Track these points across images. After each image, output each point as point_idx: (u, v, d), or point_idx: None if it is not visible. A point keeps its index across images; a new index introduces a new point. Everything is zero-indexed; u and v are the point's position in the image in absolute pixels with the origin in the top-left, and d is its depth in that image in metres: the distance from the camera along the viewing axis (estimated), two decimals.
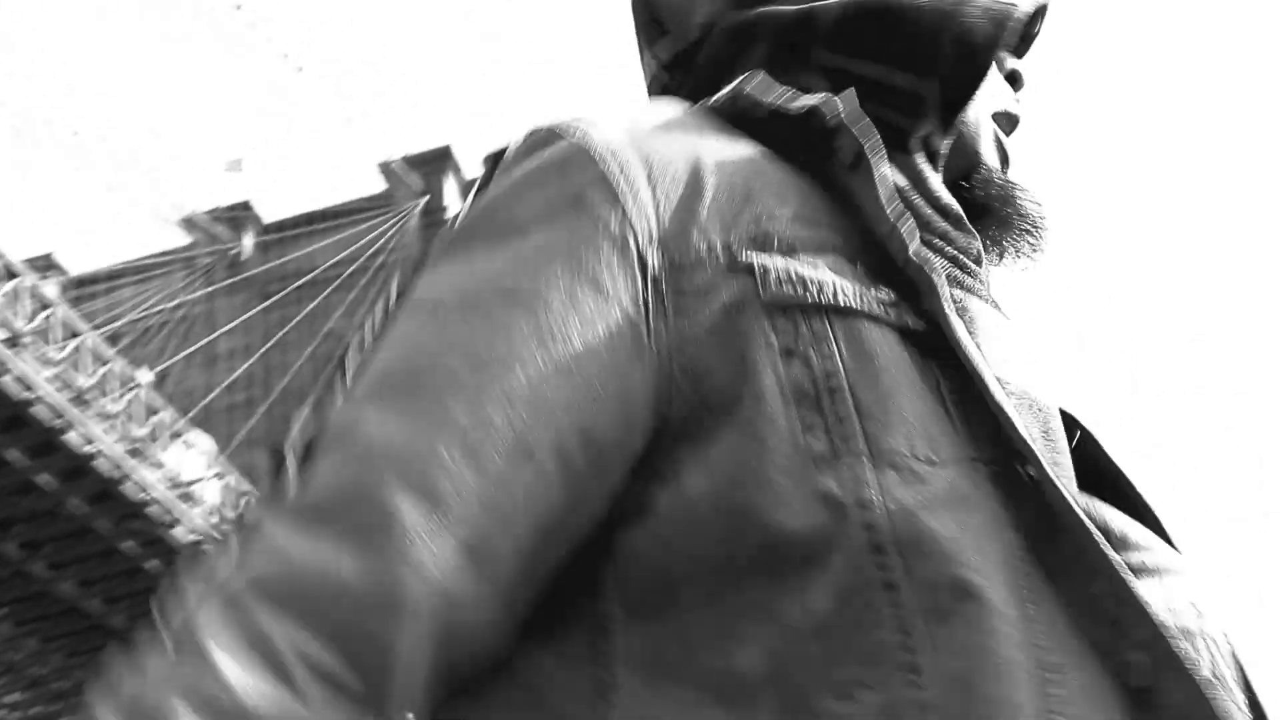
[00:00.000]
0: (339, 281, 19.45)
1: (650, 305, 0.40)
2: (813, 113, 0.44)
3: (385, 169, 20.41)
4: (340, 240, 19.85)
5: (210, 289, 19.65)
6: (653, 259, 0.40)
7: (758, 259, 0.41)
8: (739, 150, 0.44)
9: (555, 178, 0.42)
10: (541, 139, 0.43)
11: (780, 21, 0.48)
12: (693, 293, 0.40)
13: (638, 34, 0.55)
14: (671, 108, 0.46)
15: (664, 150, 0.42)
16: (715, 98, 0.46)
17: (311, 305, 19.26)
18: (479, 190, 0.44)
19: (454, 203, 21.34)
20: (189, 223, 19.82)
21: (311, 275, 19.46)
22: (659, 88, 0.52)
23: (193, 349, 18.60)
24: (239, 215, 20.41)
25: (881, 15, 0.47)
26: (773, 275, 0.40)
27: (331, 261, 19.57)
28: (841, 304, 0.40)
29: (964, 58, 0.47)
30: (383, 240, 19.96)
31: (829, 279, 0.41)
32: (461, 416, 0.37)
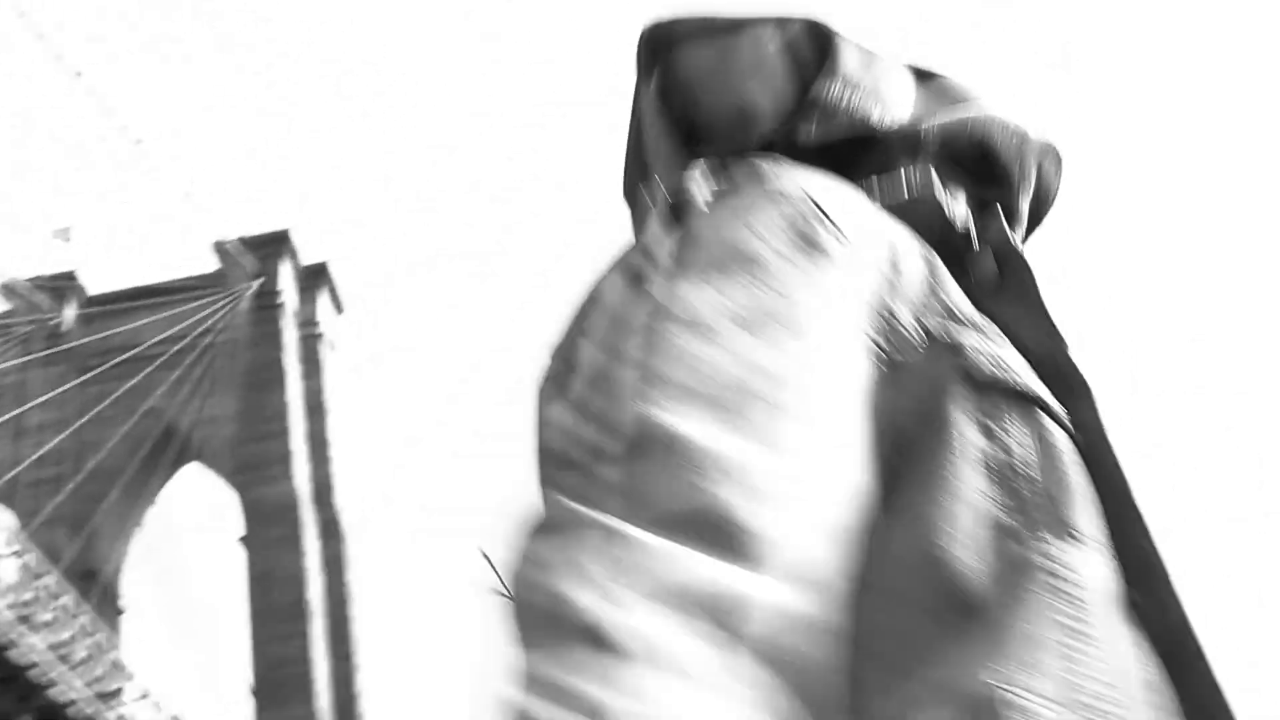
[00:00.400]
0: (162, 360, 19.95)
1: (875, 355, 0.43)
2: (968, 235, 0.49)
3: (220, 249, 20.93)
4: (167, 318, 20.29)
5: (26, 359, 19.84)
6: (871, 314, 0.44)
7: (960, 335, 0.44)
8: (914, 240, 0.48)
9: (787, 218, 0.44)
10: (758, 176, 0.47)
11: (897, 138, 0.53)
12: (900, 352, 0.43)
13: (648, 132, 0.57)
14: (843, 183, 0.49)
15: (865, 219, 0.46)
16: (880, 188, 0.50)
17: (132, 382, 19.69)
18: (679, 212, 0.46)
19: (288, 287, 21.83)
20: (8, 289, 19.94)
21: (134, 351, 19.85)
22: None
23: (2, 420, 18.87)
24: (62, 285, 20.56)
25: (976, 136, 0.54)
26: (975, 353, 0.44)
27: (156, 339, 20.01)
28: (1034, 395, 0.44)
29: (1043, 184, 0.56)
30: (212, 321, 20.59)
31: (1021, 367, 0.44)
32: (787, 435, 0.38)
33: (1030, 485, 0.42)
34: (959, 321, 0.46)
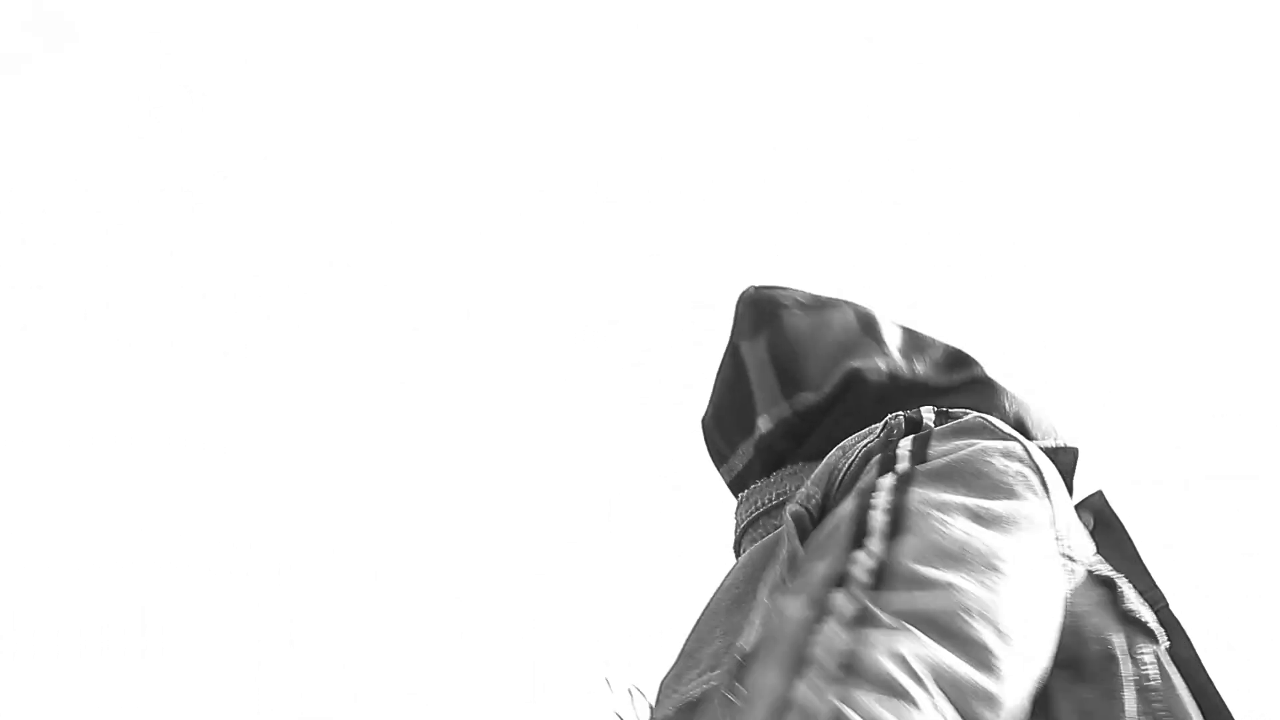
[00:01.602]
0: None
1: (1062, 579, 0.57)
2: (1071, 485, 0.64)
3: None
4: None
5: None
6: (1059, 545, 0.58)
7: (1109, 573, 0.60)
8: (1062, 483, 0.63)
9: (1017, 463, 0.58)
10: (994, 431, 0.61)
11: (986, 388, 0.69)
12: (1071, 577, 0.58)
13: (756, 378, 0.71)
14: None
15: (1051, 469, 0.61)
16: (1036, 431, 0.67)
17: None
18: (923, 439, 0.60)
19: None
20: None
21: None
22: (768, 450, 0.69)
23: None
24: None
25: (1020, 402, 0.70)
26: (1123, 594, 0.59)
27: None
28: (1156, 633, 0.59)
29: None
30: None
31: (1149, 615, 0.60)
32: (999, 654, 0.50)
33: (1159, 702, 0.58)
34: (1101, 560, 0.62)
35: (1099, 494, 0.67)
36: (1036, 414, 0.70)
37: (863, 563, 0.52)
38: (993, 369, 0.70)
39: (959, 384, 0.70)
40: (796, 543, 0.57)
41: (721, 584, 0.65)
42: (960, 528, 0.54)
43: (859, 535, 0.54)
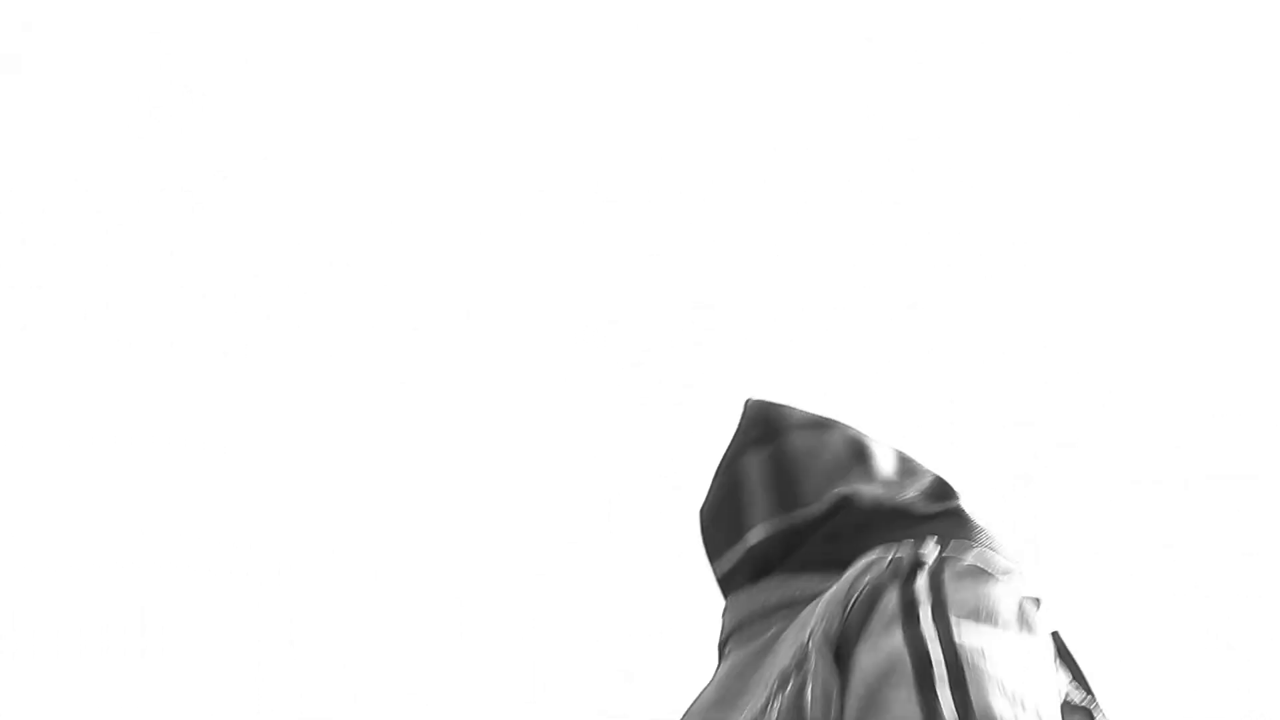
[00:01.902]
0: None
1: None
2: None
3: None
4: None
5: None
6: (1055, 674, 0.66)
7: (1084, 700, 0.68)
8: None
9: (1019, 606, 0.63)
10: (993, 572, 0.65)
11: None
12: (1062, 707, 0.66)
13: (748, 489, 0.75)
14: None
15: (1046, 607, 0.66)
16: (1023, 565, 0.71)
17: None
18: (958, 573, 0.64)
19: None
20: None
21: None
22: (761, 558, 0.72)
23: None
24: None
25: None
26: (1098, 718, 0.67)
27: None
28: None
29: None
30: None
31: None
32: None
33: None
34: (1077, 687, 0.69)
35: (1055, 634, 0.72)
36: (1008, 550, 0.74)
37: (945, 699, 0.58)
38: (969, 502, 0.74)
39: (937, 514, 0.73)
40: (831, 676, 0.61)
41: (709, 683, 0.70)
42: (1006, 668, 0.60)
43: (925, 677, 0.59)
